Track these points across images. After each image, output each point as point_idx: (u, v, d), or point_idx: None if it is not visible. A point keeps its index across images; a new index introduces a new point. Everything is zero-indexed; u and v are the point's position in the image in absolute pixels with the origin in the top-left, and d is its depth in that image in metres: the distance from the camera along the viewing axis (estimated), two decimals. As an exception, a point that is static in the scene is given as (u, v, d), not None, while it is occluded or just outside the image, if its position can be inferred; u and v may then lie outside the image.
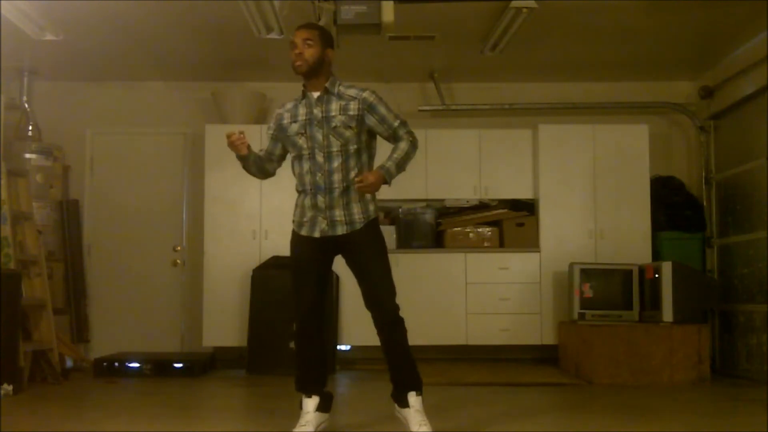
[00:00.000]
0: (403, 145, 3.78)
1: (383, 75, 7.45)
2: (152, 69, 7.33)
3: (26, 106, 7.26)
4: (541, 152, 7.20)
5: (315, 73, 3.73)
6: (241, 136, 3.73)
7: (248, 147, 3.79)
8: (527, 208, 7.31)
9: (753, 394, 5.61)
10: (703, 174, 7.39)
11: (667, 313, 6.27)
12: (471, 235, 7.22)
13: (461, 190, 7.37)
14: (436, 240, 7.29)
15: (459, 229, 7.22)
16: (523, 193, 7.37)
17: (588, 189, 7.17)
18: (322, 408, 3.80)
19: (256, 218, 7.15)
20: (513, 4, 5.42)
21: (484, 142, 7.26)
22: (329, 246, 3.78)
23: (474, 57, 6.78)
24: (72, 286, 7.25)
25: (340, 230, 3.73)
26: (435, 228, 7.28)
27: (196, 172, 7.53)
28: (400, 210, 7.30)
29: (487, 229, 7.23)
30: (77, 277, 7.31)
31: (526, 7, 5.44)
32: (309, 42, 3.69)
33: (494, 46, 6.35)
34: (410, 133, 3.82)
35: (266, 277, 6.77)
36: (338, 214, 3.73)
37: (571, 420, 4.67)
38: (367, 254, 3.77)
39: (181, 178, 7.67)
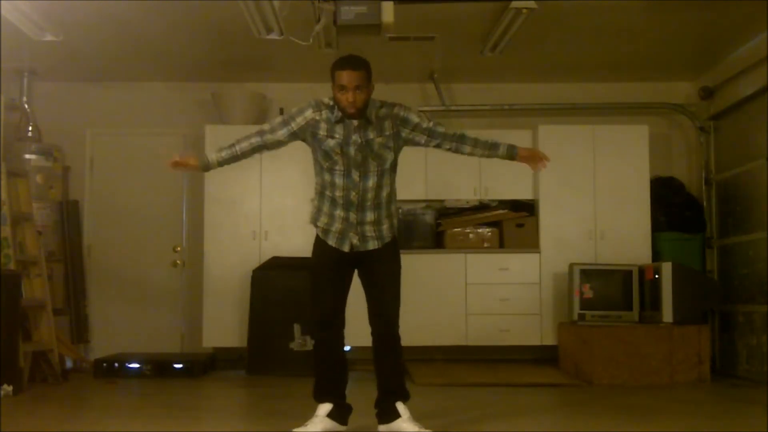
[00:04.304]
0: (461, 132, 3.85)
1: (383, 76, 7.41)
2: (152, 69, 7.33)
3: (26, 106, 7.25)
4: (541, 153, 7.19)
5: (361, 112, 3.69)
6: (174, 161, 3.77)
7: (198, 158, 3.77)
8: (527, 208, 7.31)
9: (753, 395, 5.61)
10: (703, 174, 7.39)
11: (667, 314, 6.27)
12: (471, 235, 7.22)
13: (461, 190, 7.36)
14: (436, 241, 7.29)
15: (459, 229, 7.22)
16: (523, 194, 7.36)
17: (588, 189, 7.16)
18: (336, 416, 3.77)
19: (256, 219, 7.15)
20: (513, 4, 5.41)
21: (484, 143, 7.24)
22: (353, 258, 3.80)
23: (474, 57, 6.77)
24: (72, 286, 7.25)
25: (372, 245, 3.78)
26: (435, 229, 7.28)
27: (196, 172, 7.51)
28: (400, 210, 7.29)
29: (487, 229, 7.23)
30: (77, 277, 7.31)
31: (526, 8, 5.42)
32: (360, 87, 3.63)
33: (494, 46, 6.34)
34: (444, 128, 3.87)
35: (266, 277, 6.77)
36: (369, 229, 3.77)
37: (571, 420, 4.67)
38: (386, 271, 3.84)
39: (181, 178, 7.66)
